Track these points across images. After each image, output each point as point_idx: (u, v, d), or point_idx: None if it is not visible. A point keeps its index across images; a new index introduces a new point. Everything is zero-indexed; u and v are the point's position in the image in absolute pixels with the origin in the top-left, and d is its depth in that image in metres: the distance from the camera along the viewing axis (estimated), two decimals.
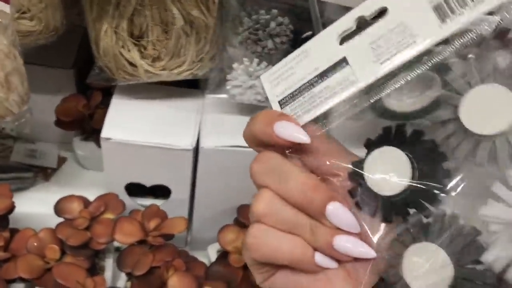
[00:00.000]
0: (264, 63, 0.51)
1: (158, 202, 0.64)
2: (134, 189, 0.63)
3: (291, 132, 0.29)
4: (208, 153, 0.56)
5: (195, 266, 0.56)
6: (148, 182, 0.61)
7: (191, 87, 0.63)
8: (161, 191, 0.64)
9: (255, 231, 0.29)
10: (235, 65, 0.51)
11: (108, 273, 0.59)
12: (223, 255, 0.56)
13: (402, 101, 0.30)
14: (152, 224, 0.54)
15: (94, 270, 0.57)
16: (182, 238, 0.70)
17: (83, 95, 0.70)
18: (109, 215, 0.56)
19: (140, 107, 0.59)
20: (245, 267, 0.55)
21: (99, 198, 0.57)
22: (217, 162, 0.57)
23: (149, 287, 0.53)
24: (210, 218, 0.65)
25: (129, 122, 0.57)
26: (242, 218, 0.62)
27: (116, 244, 0.59)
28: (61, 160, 0.77)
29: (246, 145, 0.49)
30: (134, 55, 0.53)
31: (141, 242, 0.55)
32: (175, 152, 0.56)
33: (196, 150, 0.57)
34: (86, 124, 0.71)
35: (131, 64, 0.54)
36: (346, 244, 0.28)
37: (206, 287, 0.51)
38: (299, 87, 0.31)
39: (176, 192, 0.62)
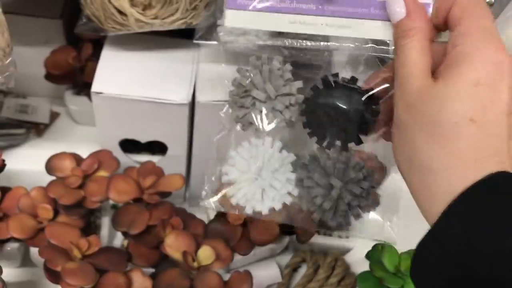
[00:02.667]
0: None
1: (155, 158, 0.62)
2: (130, 146, 0.61)
3: None
4: (205, 108, 0.54)
5: (193, 224, 0.54)
6: (143, 138, 0.58)
7: (186, 37, 0.59)
8: (158, 147, 0.61)
9: None
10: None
11: (104, 232, 0.57)
12: (222, 212, 0.54)
13: None
14: (147, 182, 0.52)
15: (90, 229, 0.56)
16: (180, 194, 0.68)
17: (73, 47, 0.67)
18: (103, 173, 0.54)
19: (132, 59, 0.56)
20: (244, 225, 0.54)
21: (92, 155, 0.55)
22: (213, 117, 0.55)
23: (145, 245, 0.52)
24: None
25: (121, 75, 0.54)
26: None
27: (112, 202, 0.57)
28: (54, 115, 0.75)
29: None
30: (123, 2, 0.49)
31: (137, 200, 0.53)
32: (170, 106, 0.53)
33: (192, 104, 0.54)
34: (78, 78, 0.67)
35: (120, 12, 0.50)
36: None
37: (204, 245, 0.49)
38: None
39: (172, 148, 0.60)
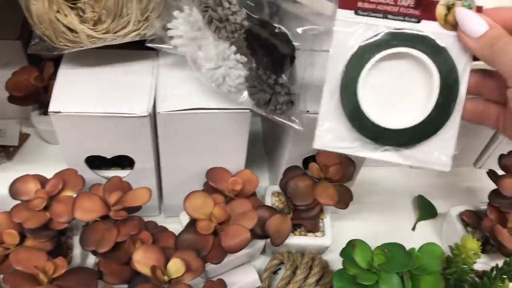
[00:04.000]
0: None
1: (124, 172, 0.62)
2: (98, 161, 0.60)
3: None
4: (166, 118, 0.53)
5: (164, 236, 0.54)
6: (108, 153, 0.57)
7: (144, 48, 0.58)
8: (127, 161, 0.61)
9: None
10: (175, 13, 0.47)
11: (77, 251, 0.57)
12: (192, 222, 0.53)
13: None
14: (113, 198, 0.52)
15: (60, 250, 0.55)
16: (154, 206, 0.68)
17: (35, 67, 0.66)
18: (68, 193, 0.53)
19: (90, 75, 0.55)
20: (214, 233, 0.53)
21: (56, 175, 0.54)
22: (176, 127, 0.54)
23: (116, 262, 0.51)
24: (179, 184, 0.62)
25: (79, 92, 0.53)
26: (212, 182, 0.60)
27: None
28: (24, 137, 0.74)
29: (205, 106, 0.52)
30: (72, 19, 0.49)
31: (106, 217, 0.53)
32: (130, 120, 0.53)
33: (154, 115, 0.54)
34: (42, 97, 0.67)
35: (71, 30, 0.50)
36: None
37: (174, 258, 0.49)
38: None
39: (139, 161, 0.59)
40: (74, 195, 0.53)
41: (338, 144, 0.43)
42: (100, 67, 0.56)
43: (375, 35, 0.41)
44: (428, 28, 0.40)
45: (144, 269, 0.48)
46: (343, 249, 0.54)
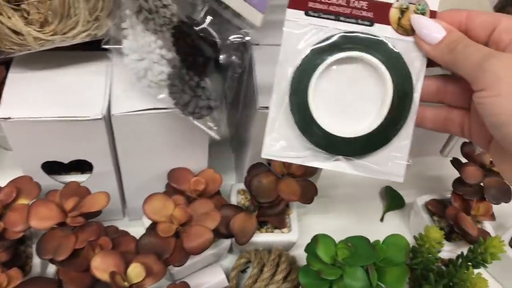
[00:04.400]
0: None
1: (84, 177, 0.60)
2: (57, 166, 0.59)
3: None
4: (121, 120, 0.52)
5: (125, 241, 0.52)
6: (64, 159, 0.56)
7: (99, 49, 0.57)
8: (88, 165, 0.59)
9: None
10: (128, 11, 0.46)
11: (36, 260, 0.55)
12: (153, 225, 0.52)
13: None
14: (69, 204, 0.50)
15: (18, 260, 0.53)
16: (118, 210, 0.66)
17: None
18: (23, 200, 0.52)
19: (41, 79, 0.53)
20: (176, 235, 0.52)
21: (10, 183, 0.52)
22: (133, 128, 0.53)
23: (76, 269, 0.50)
24: (141, 186, 0.61)
25: (30, 97, 0.52)
26: (174, 183, 0.59)
27: None
28: None
29: (160, 107, 0.51)
30: (16, 22, 0.47)
31: (63, 224, 0.51)
32: (84, 123, 0.51)
33: (110, 117, 0.52)
34: None
35: (16, 32, 0.48)
36: None
37: (134, 262, 0.47)
38: None
39: (98, 165, 0.57)
40: (30, 203, 0.52)
41: (288, 153, 0.41)
42: (51, 69, 0.54)
43: (327, 38, 0.39)
44: (381, 32, 0.39)
45: (103, 276, 0.47)
46: (308, 244, 0.54)
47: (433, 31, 0.37)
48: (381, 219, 0.72)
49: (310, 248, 0.52)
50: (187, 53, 0.45)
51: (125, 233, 0.54)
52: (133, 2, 0.43)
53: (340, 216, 0.72)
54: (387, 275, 0.53)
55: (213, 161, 0.65)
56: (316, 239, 0.52)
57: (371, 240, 0.56)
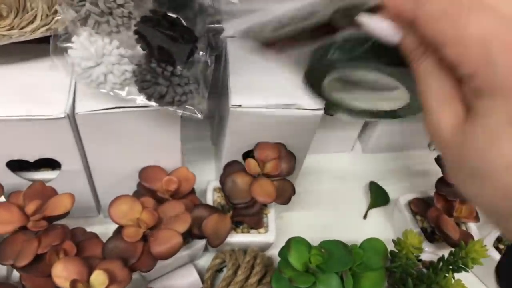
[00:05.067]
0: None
1: (54, 173, 0.58)
2: (25, 163, 0.56)
3: None
4: (86, 119, 0.49)
5: (91, 245, 0.50)
6: (30, 157, 0.54)
7: None
8: (56, 161, 0.57)
9: None
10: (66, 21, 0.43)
11: (1, 267, 0.54)
12: (120, 229, 0.50)
13: None
14: (31, 208, 0.48)
15: None
16: (92, 207, 0.64)
17: None
18: None
19: (3, 75, 0.51)
20: (144, 239, 0.50)
21: None
22: (99, 127, 0.51)
23: (38, 276, 0.48)
24: (114, 184, 0.59)
25: None
26: (145, 182, 0.56)
27: None
28: None
29: (126, 105, 0.48)
30: None
31: (25, 228, 0.49)
32: (48, 122, 0.49)
33: (74, 116, 0.50)
34: None
35: None
36: None
37: (97, 269, 0.46)
38: None
39: (66, 164, 0.55)
40: None
41: None
42: (12, 65, 0.52)
43: None
44: None
45: (64, 284, 0.45)
46: (282, 248, 0.52)
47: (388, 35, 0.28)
48: (364, 217, 0.70)
49: (283, 254, 0.50)
50: (157, 46, 0.42)
51: (93, 236, 0.52)
52: (75, 9, 0.40)
53: (322, 213, 0.70)
54: (363, 280, 0.51)
55: (195, 154, 0.63)
56: (288, 244, 0.50)
57: (354, 239, 0.54)
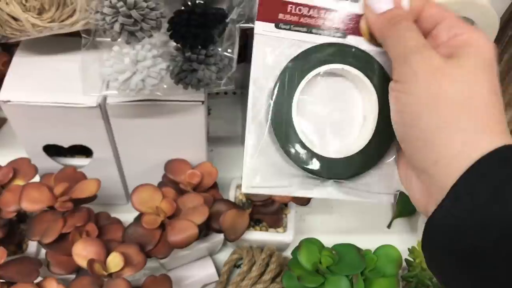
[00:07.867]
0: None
1: (87, 161, 0.61)
2: (63, 149, 0.60)
3: None
4: (116, 110, 0.52)
5: (113, 229, 0.53)
6: (64, 143, 0.57)
7: None
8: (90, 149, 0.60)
9: None
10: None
11: (33, 244, 0.57)
12: (140, 216, 0.53)
13: None
14: (59, 189, 0.51)
15: (13, 238, 0.55)
16: (121, 195, 0.67)
17: (7, 52, 0.66)
18: (19, 181, 0.54)
19: (44, 64, 0.55)
20: (163, 228, 0.52)
21: (9, 164, 0.54)
22: (128, 118, 0.53)
23: (62, 253, 0.51)
24: (142, 173, 0.61)
25: (31, 81, 0.53)
26: (170, 174, 0.59)
27: None
28: (2, 121, 0.75)
29: (152, 98, 0.50)
30: (14, 8, 0.48)
31: (53, 208, 0.52)
32: (81, 110, 0.52)
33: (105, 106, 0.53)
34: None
35: (14, 18, 0.49)
36: None
37: (114, 252, 0.48)
38: None
39: (97, 151, 0.58)
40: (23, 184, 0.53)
41: (271, 183, 0.37)
42: (55, 55, 0.55)
43: (303, 52, 0.36)
44: (355, 44, 0.37)
45: (82, 262, 0.48)
46: (295, 248, 0.53)
47: (381, 0, 0.35)
48: (389, 226, 0.70)
49: (294, 253, 0.51)
50: (192, 35, 0.44)
51: (116, 221, 0.55)
52: (110, 26, 0.42)
53: (346, 218, 0.70)
54: (374, 286, 0.51)
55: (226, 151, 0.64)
56: (300, 244, 0.51)
57: (374, 247, 0.54)
